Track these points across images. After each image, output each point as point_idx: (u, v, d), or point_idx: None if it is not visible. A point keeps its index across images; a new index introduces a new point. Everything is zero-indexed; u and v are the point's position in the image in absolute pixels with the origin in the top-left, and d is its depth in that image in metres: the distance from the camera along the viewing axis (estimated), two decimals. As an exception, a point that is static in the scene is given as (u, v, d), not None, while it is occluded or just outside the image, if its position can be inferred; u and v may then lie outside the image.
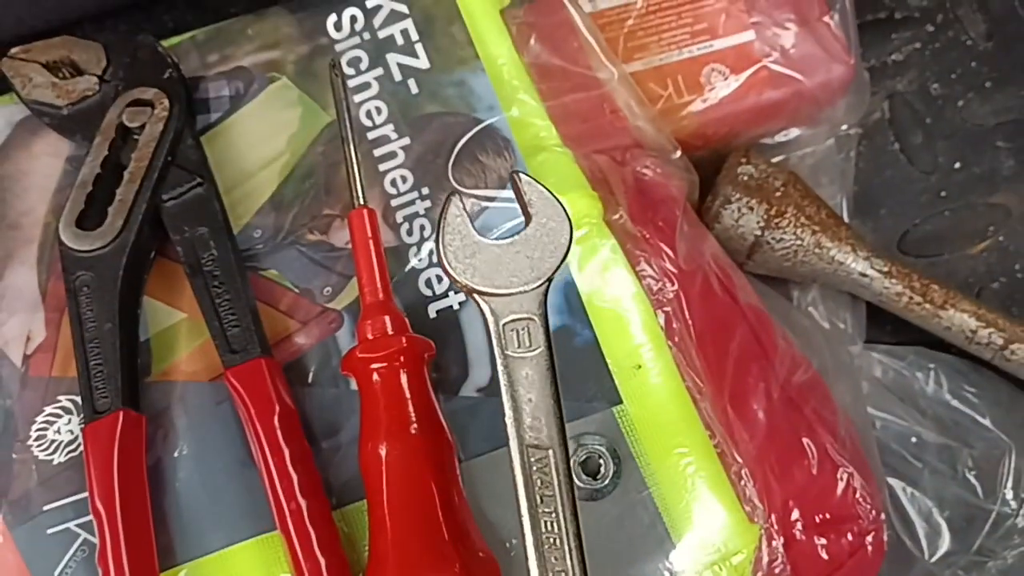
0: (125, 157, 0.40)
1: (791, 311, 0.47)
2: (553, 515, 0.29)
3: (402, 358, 0.34)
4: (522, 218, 0.32)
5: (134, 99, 0.40)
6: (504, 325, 0.31)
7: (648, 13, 0.46)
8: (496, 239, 0.31)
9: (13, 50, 0.42)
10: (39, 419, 0.37)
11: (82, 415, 0.37)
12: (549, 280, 0.31)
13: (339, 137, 0.39)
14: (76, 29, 0.49)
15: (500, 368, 0.30)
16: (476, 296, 0.31)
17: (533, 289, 0.31)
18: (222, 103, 0.42)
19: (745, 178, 0.46)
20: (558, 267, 0.31)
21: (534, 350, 0.30)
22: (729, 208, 0.46)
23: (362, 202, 0.37)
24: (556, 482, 0.29)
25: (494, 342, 0.31)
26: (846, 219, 0.50)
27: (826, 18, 0.47)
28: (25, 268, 0.40)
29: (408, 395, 0.34)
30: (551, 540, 0.29)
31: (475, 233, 0.31)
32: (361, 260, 0.36)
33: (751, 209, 0.45)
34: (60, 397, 0.37)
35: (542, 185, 0.32)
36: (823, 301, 0.48)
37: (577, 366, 0.37)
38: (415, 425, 0.33)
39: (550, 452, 0.29)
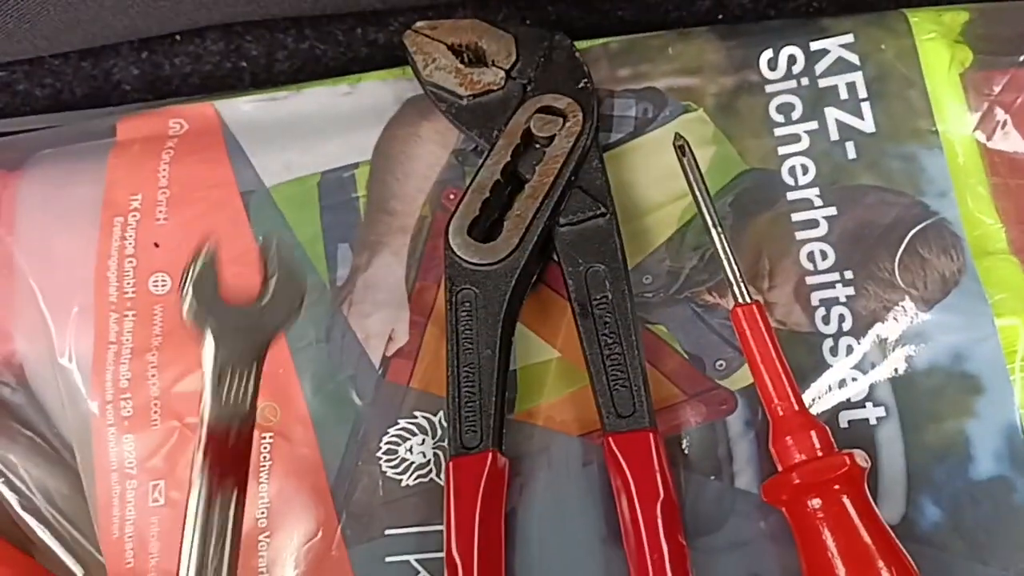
0: (525, 167, 0.36)
1: None
2: None
3: (846, 483, 0.29)
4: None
5: (544, 105, 0.37)
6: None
7: None
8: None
9: (419, 24, 0.40)
10: (391, 431, 0.35)
11: (436, 438, 0.34)
12: None
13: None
14: (455, 10, 0.46)
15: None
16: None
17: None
18: (626, 124, 0.38)
19: None
20: None
21: None
22: None
23: (747, 299, 0.32)
24: None
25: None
26: None
27: None
28: (395, 261, 0.37)
29: (867, 532, 0.29)
30: None
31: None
32: (765, 364, 0.31)
33: None
34: (416, 413, 0.35)
35: None
36: None
37: (1012, 528, 0.31)
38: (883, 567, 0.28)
39: None
